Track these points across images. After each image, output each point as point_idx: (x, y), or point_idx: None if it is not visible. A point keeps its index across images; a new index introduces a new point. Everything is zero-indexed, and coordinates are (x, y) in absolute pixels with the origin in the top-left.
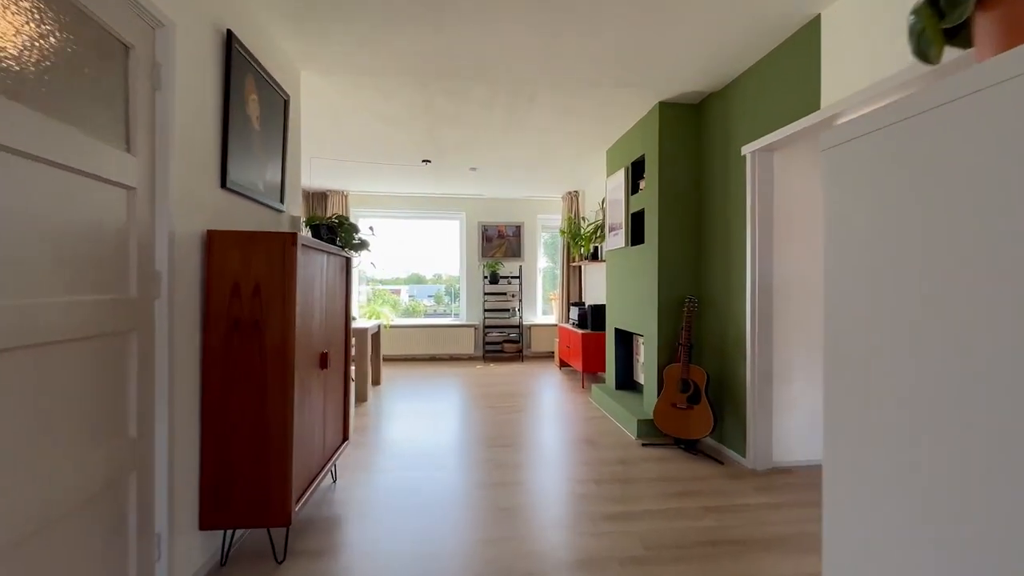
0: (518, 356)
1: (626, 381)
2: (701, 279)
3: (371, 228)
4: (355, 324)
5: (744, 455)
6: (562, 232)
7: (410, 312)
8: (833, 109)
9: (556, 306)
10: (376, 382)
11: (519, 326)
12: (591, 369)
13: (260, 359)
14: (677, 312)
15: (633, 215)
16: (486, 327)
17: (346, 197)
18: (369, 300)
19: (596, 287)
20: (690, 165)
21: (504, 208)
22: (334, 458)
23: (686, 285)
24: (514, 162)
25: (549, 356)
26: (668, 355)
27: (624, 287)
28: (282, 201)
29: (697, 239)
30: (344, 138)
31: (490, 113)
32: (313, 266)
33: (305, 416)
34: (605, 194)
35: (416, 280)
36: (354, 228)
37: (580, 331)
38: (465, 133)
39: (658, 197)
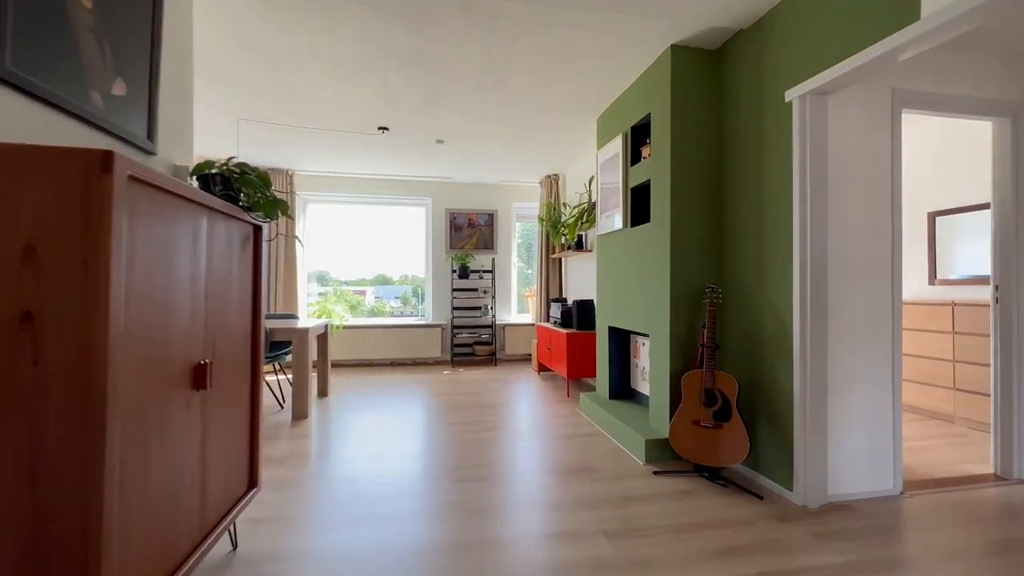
0: (491, 359)
1: (622, 389)
2: (724, 264)
3: (298, 239)
4: (293, 324)
5: (790, 487)
6: (541, 220)
7: (375, 314)
8: (948, 14)
9: (533, 303)
10: (323, 394)
11: (492, 326)
12: (578, 375)
13: (35, 377)
14: (694, 305)
15: (633, 190)
16: (455, 327)
17: (291, 177)
18: (322, 299)
19: (580, 281)
20: (709, 123)
21: (475, 194)
22: (230, 517)
23: (705, 272)
24: (488, 135)
25: (526, 359)
26: (683, 359)
27: (621, 277)
28: (151, 139)
29: (718, 215)
30: (284, 94)
31: (461, 62)
32: (178, 229)
33: (155, 463)
34: (595, 170)
35: (382, 281)
36: (264, 182)
37: (564, 331)
38: (429, 85)
39: (670, 164)
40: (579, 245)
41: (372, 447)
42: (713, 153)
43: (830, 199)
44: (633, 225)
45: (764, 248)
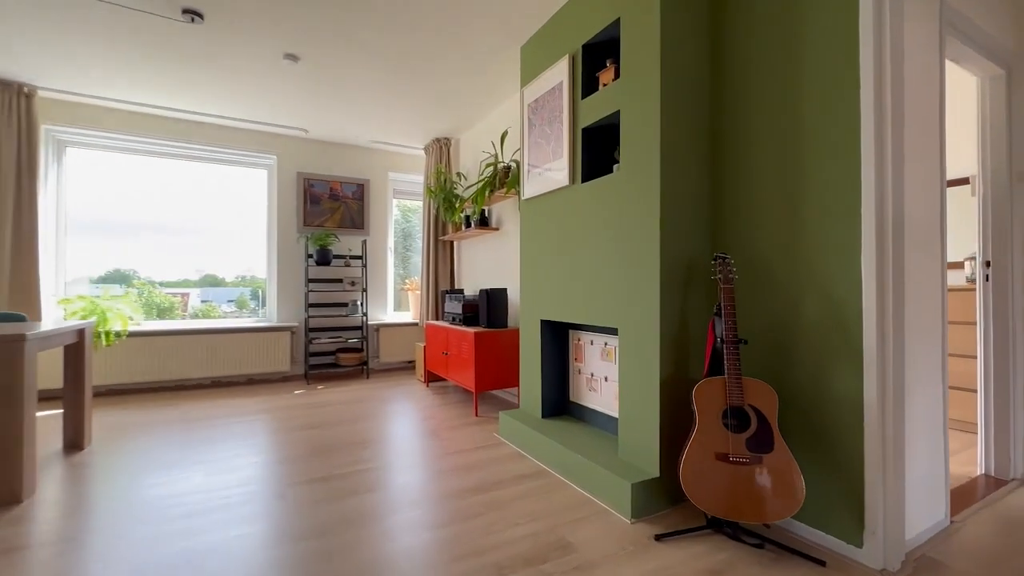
0: (361, 370)
1: (560, 404)
2: (728, 228)
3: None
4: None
5: (858, 542)
6: (429, 192)
7: (200, 317)
8: None
9: (416, 299)
10: (74, 446)
11: (363, 327)
12: (489, 386)
13: None
14: (690, 285)
15: (587, 132)
16: (311, 331)
17: (28, 99)
18: (100, 296)
19: (482, 267)
20: (705, 32)
21: (340, 156)
22: None
23: (702, 238)
24: (362, 61)
25: (408, 368)
26: (674, 363)
27: (565, 253)
28: None
29: (717, 158)
30: None
31: None
32: None
33: None
34: (522, 112)
35: (211, 282)
36: None
37: (470, 330)
38: None
39: (660, 83)
40: (482, 222)
41: (152, 555)
42: (708, 73)
43: (908, 136)
44: (587, 179)
45: (802, 205)
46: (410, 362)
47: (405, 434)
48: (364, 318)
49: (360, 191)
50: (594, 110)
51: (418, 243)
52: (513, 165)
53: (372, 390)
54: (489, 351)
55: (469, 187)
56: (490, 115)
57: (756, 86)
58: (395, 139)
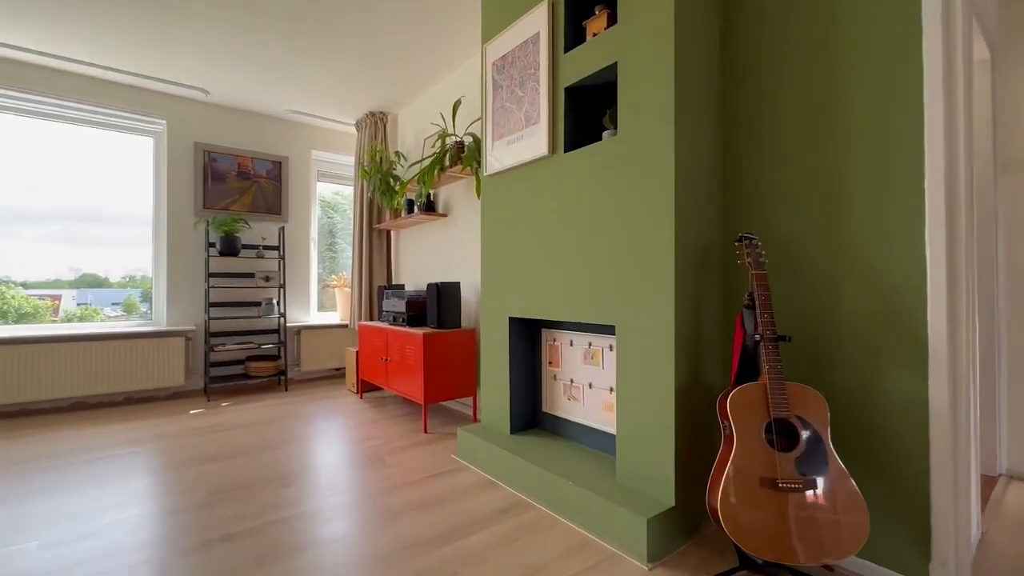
0: (278, 382)
1: (531, 416)
2: (748, 207)
3: None
4: None
5: (921, 574)
6: (363, 173)
7: (81, 320)
8: None
9: (344, 297)
10: None
11: (280, 330)
12: (441, 397)
13: None
14: (707, 273)
15: (571, 93)
16: (213, 335)
17: None
18: None
19: (422, 259)
20: None
21: (251, 127)
22: None
23: (715, 219)
24: (274, 3)
25: (335, 377)
26: (689, 367)
27: (543, 237)
28: None
29: (729, 118)
30: None
31: None
32: None
33: None
34: (484, 73)
35: (92, 283)
36: None
37: (417, 331)
38: None
39: (675, 31)
40: (428, 207)
41: None
42: (722, 17)
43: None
44: (572, 148)
45: (843, 180)
46: (338, 369)
47: (339, 462)
48: (282, 319)
49: (277, 170)
50: (581, 65)
51: (348, 234)
52: (469, 140)
53: (293, 405)
54: (440, 356)
55: (413, 165)
56: (437, 85)
57: (780, 33)
58: (320, 110)
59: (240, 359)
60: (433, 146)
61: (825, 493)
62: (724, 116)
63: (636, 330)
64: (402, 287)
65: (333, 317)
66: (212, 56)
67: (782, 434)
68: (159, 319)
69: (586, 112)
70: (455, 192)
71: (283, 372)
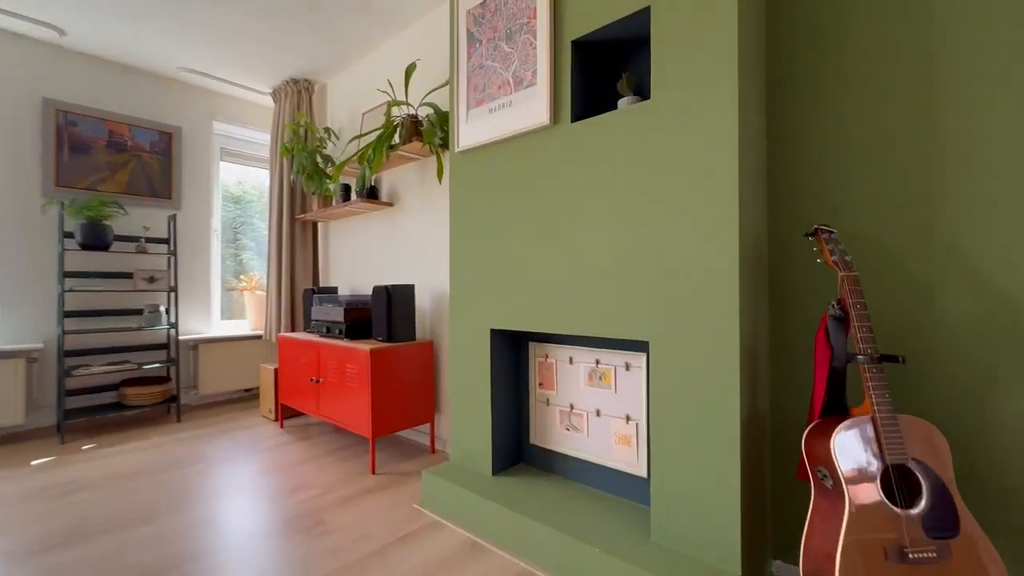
0: (167, 412)
1: (515, 451)
2: (806, 195)
3: None
4: None
5: None
6: (284, 150)
7: None
8: None
9: (259, 302)
10: None
11: (170, 344)
12: (394, 428)
13: None
14: (770, 275)
15: (579, 48)
16: (70, 354)
17: None
18: None
19: (361, 258)
20: None
21: (128, 85)
22: None
23: (763, 209)
24: None
25: (246, 400)
26: (752, 392)
27: (536, 230)
28: None
29: (783, 92)
30: None
31: None
32: None
33: None
34: (454, 24)
35: None
36: None
37: (360, 346)
38: None
39: None
40: (370, 194)
41: None
42: None
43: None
44: (583, 116)
45: (942, 164)
46: (248, 390)
47: (259, 532)
48: (172, 331)
49: (165, 143)
50: (596, 11)
51: (255, 231)
52: (429, 112)
53: (188, 443)
54: (392, 376)
55: (352, 141)
56: (378, 50)
57: None
58: (224, 71)
59: (112, 384)
60: (386, 113)
61: (959, 562)
62: (772, 82)
63: (679, 348)
64: (335, 291)
65: (243, 327)
66: None
67: (901, 485)
68: None
69: (593, 74)
70: (404, 177)
71: (174, 398)
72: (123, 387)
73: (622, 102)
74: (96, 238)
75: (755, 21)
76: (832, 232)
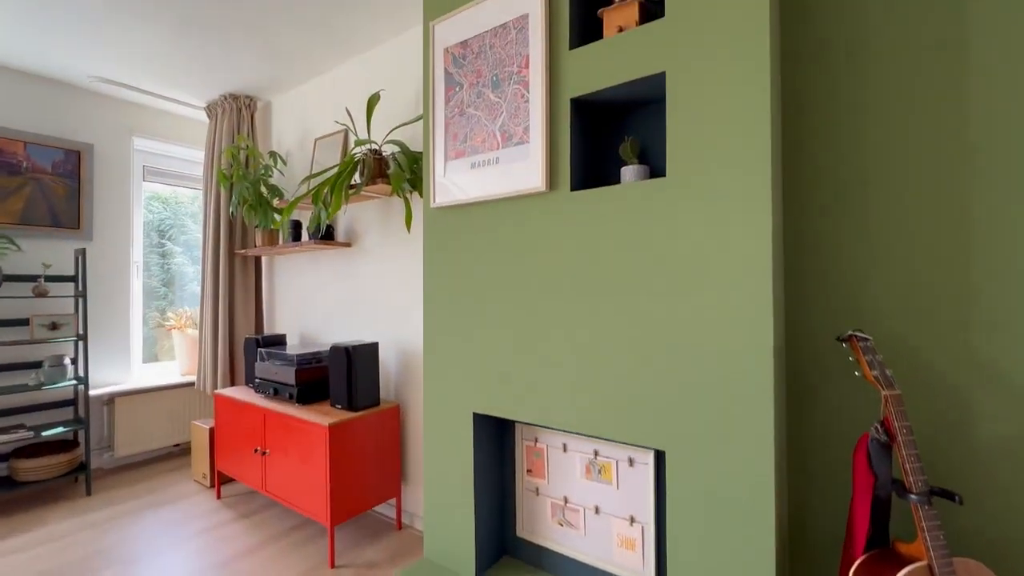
0: (74, 482)
1: (499, 542)
2: (817, 283)
3: None
4: None
5: None
6: (223, 178)
7: None
8: None
9: (190, 343)
10: None
11: (76, 402)
12: (355, 510)
13: None
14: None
15: (577, 105)
16: None
17: None
18: None
19: (311, 299)
20: None
21: (26, 95)
22: None
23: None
24: None
25: (174, 458)
26: (783, 496)
27: (524, 307)
28: None
29: (796, 165)
30: None
31: None
32: None
33: None
34: (430, 61)
35: None
36: None
37: (316, 419)
38: None
39: (769, 31)
40: (326, 234)
41: None
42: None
43: None
44: (583, 185)
45: (974, 229)
46: (178, 445)
47: None
48: (80, 387)
49: (73, 164)
50: (600, 70)
51: (187, 243)
52: (393, 150)
53: (100, 528)
54: (353, 452)
55: (307, 180)
56: (334, 71)
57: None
58: (148, 83)
59: (2, 454)
60: (337, 152)
61: None
62: (786, 159)
63: (703, 455)
64: (282, 339)
65: (170, 370)
66: None
67: None
68: None
69: (591, 133)
70: (364, 214)
71: (83, 466)
72: (14, 460)
73: (627, 171)
74: None
75: (777, 103)
76: (868, 340)
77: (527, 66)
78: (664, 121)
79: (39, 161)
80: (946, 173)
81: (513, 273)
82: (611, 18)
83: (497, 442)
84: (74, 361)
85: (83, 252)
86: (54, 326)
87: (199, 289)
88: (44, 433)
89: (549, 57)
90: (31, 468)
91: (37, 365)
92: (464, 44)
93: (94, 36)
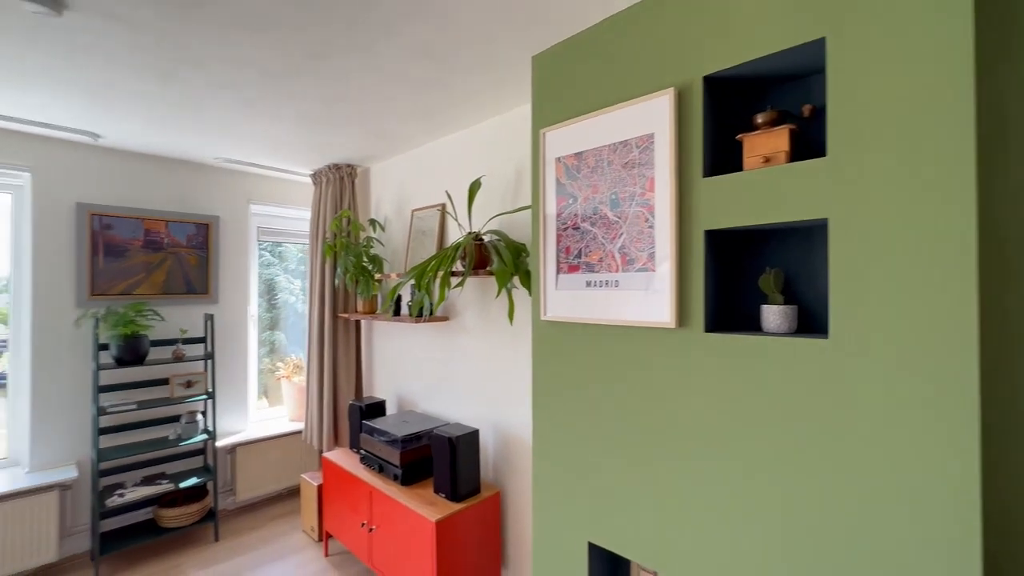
0: (204, 528)
1: None
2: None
3: None
4: None
5: None
6: (329, 249)
7: None
8: None
9: (297, 391)
10: None
11: (206, 453)
12: None
13: None
14: None
15: (711, 236)
16: (103, 474)
17: None
18: None
19: (408, 369)
20: None
21: (163, 178)
22: None
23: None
24: (206, 19)
25: (284, 502)
26: None
27: (651, 448)
28: None
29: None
30: None
31: None
32: None
33: None
34: (539, 166)
35: None
36: None
37: (424, 512)
38: None
39: (976, 188)
40: (419, 312)
41: None
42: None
43: None
44: (717, 327)
45: None
46: (287, 490)
47: None
48: (209, 441)
49: (202, 235)
50: (744, 206)
51: (290, 289)
52: (493, 239)
53: (222, 570)
54: (457, 543)
55: (410, 271)
56: (428, 144)
57: None
58: (263, 159)
59: (146, 500)
60: (438, 231)
61: None
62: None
63: None
64: (382, 405)
65: (279, 414)
66: (105, 96)
67: None
68: (18, 461)
69: (724, 260)
70: (463, 292)
71: (212, 513)
72: (159, 509)
73: (769, 312)
74: (131, 353)
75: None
76: None
77: (652, 189)
78: (812, 251)
79: (176, 236)
80: None
81: (636, 404)
82: (754, 145)
83: (611, 571)
84: (204, 414)
85: (211, 317)
86: (189, 384)
87: (305, 339)
88: (182, 484)
89: (679, 183)
90: (173, 516)
91: (175, 419)
92: (578, 156)
93: (226, 129)
